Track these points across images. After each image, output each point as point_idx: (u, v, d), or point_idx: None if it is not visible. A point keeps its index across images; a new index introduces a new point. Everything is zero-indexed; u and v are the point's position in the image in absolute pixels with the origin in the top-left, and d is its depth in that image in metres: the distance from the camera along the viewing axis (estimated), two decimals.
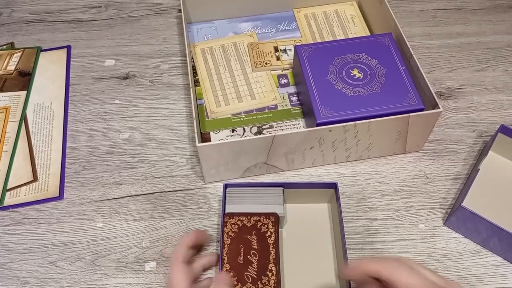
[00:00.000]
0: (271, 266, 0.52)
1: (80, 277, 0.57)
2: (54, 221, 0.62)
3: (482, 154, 0.66)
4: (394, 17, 0.70)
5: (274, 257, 0.53)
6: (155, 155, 0.68)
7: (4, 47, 0.82)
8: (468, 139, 0.69)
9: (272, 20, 0.82)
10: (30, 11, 0.88)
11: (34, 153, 0.68)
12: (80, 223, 0.62)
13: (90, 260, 0.59)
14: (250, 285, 0.51)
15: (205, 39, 0.80)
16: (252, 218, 0.55)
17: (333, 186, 0.58)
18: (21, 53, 0.81)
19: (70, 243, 0.60)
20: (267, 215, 0.55)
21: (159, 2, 0.89)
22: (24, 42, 0.83)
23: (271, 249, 0.53)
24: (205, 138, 0.67)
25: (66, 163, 0.67)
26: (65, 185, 0.65)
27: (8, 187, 0.65)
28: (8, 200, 0.64)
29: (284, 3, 0.82)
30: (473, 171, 0.64)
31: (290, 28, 0.81)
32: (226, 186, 0.58)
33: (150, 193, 0.64)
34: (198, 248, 0.56)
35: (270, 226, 0.54)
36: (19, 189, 0.65)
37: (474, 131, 0.70)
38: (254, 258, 0.53)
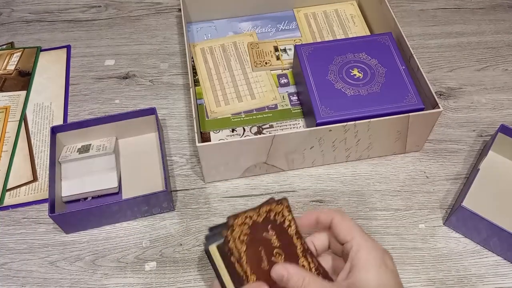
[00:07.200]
0: (302, 261, 0.44)
1: (80, 277, 0.57)
2: None
3: (482, 154, 0.66)
4: (394, 17, 0.70)
5: (301, 249, 0.44)
6: None
7: (4, 47, 0.82)
8: (468, 139, 0.69)
9: (272, 19, 0.82)
10: (30, 11, 0.88)
11: (34, 153, 0.68)
12: None
13: (90, 260, 0.58)
14: None
15: (205, 38, 0.80)
16: (261, 210, 0.44)
17: (152, 112, 0.64)
18: (21, 53, 0.81)
19: (70, 243, 0.60)
20: (278, 201, 0.45)
21: (159, 2, 0.89)
22: (24, 42, 0.83)
23: (295, 241, 0.44)
24: (205, 138, 0.67)
25: None
26: None
27: (8, 187, 0.65)
28: (8, 200, 0.64)
29: (284, 3, 0.82)
30: (473, 171, 0.64)
31: (290, 27, 0.81)
32: (52, 129, 0.63)
33: None
34: None
35: (286, 213, 0.45)
36: (19, 189, 0.65)
37: (474, 131, 0.70)
38: (280, 257, 0.43)
